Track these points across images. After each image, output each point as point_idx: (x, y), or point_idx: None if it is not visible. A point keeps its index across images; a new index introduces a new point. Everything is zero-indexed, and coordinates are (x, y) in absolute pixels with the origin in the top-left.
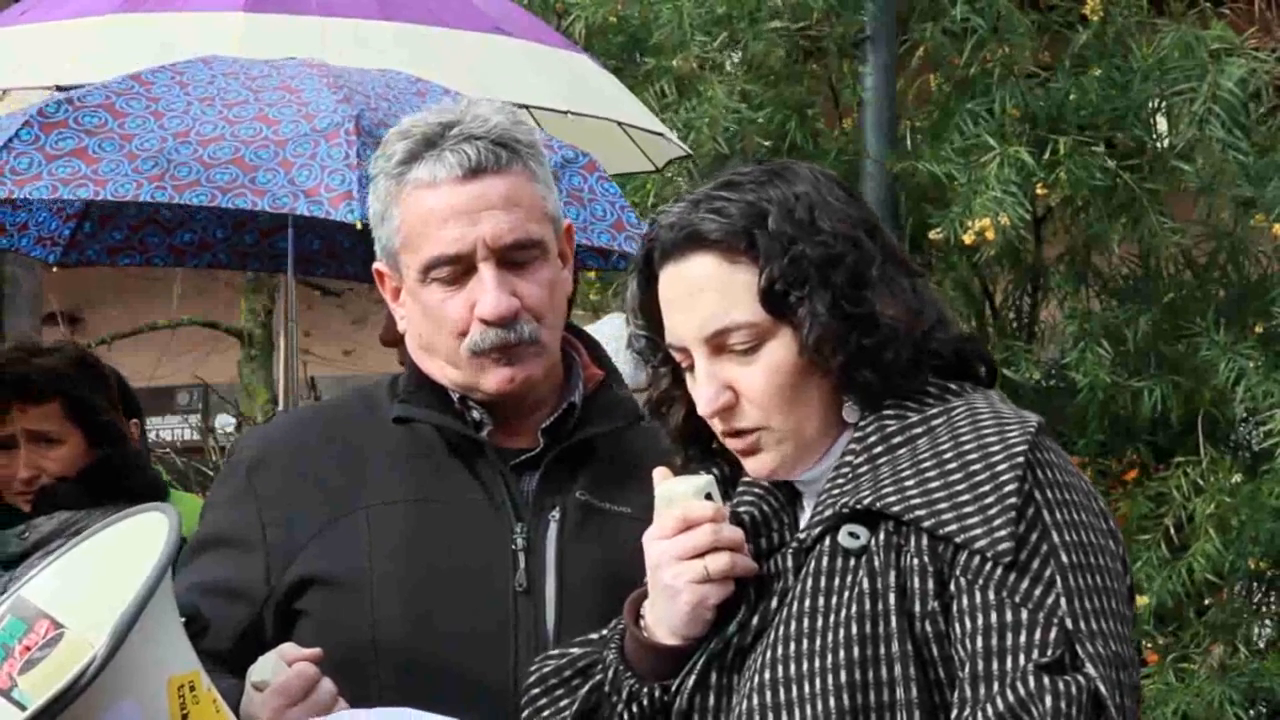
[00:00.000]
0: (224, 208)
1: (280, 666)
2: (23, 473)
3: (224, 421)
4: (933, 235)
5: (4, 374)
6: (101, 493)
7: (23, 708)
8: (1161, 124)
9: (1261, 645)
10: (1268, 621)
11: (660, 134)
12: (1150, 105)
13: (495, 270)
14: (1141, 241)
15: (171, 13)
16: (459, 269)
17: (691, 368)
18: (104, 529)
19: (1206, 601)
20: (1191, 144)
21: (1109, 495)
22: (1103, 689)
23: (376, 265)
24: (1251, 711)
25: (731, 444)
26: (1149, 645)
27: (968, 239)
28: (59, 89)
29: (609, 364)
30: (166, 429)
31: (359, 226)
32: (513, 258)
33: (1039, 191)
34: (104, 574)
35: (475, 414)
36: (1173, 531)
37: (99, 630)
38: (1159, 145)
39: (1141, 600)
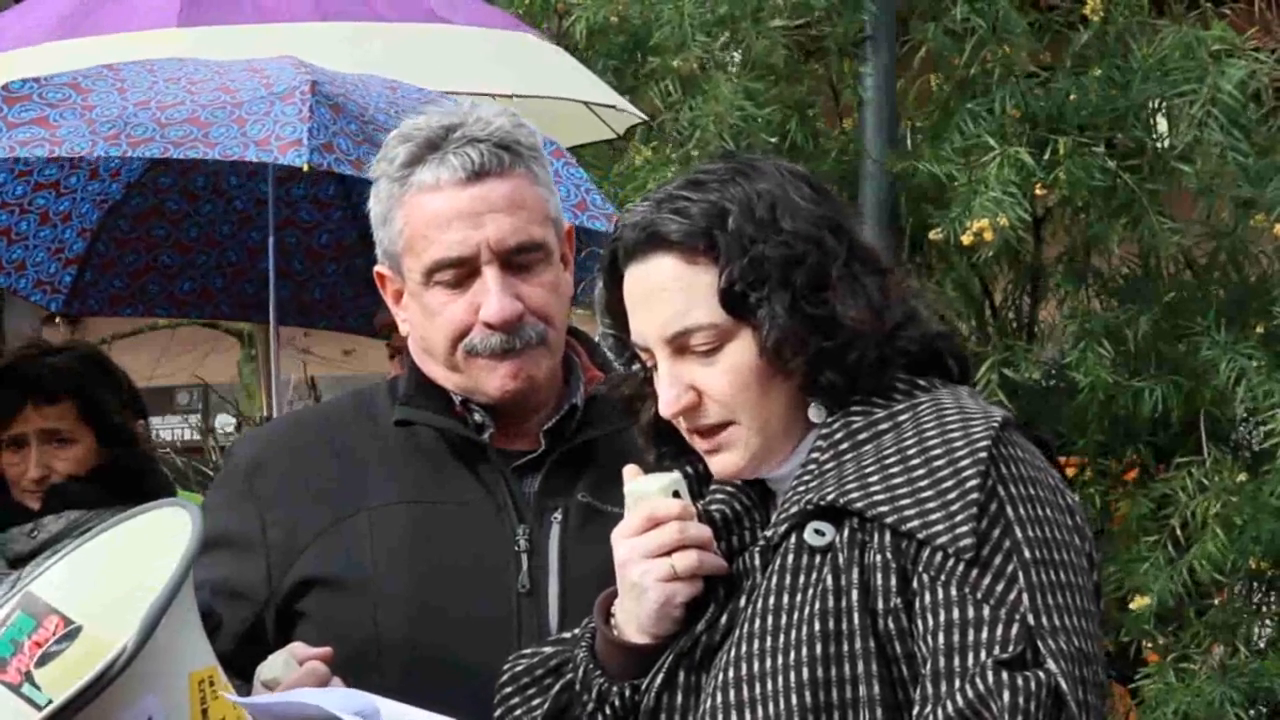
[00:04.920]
0: (231, 256)
1: (291, 665)
2: (33, 472)
3: (224, 421)
4: (932, 236)
5: (17, 373)
6: (111, 493)
7: (34, 704)
8: (1162, 124)
9: (1262, 645)
10: (1268, 621)
11: (612, 106)
12: (1150, 106)
13: (499, 273)
14: (1141, 241)
15: (108, 35)
16: (462, 272)
17: (657, 367)
18: (116, 525)
19: (1209, 601)
20: (1191, 145)
21: (1109, 495)
22: (1064, 684)
23: (378, 268)
24: (1251, 711)
25: (697, 443)
26: (1149, 645)
27: (967, 239)
28: None
29: (609, 365)
30: (166, 429)
31: (306, 169)
32: (516, 260)
33: (1038, 192)
34: (117, 570)
35: (477, 416)
36: (1179, 531)
37: (116, 625)
38: (1159, 146)
39: (1143, 601)
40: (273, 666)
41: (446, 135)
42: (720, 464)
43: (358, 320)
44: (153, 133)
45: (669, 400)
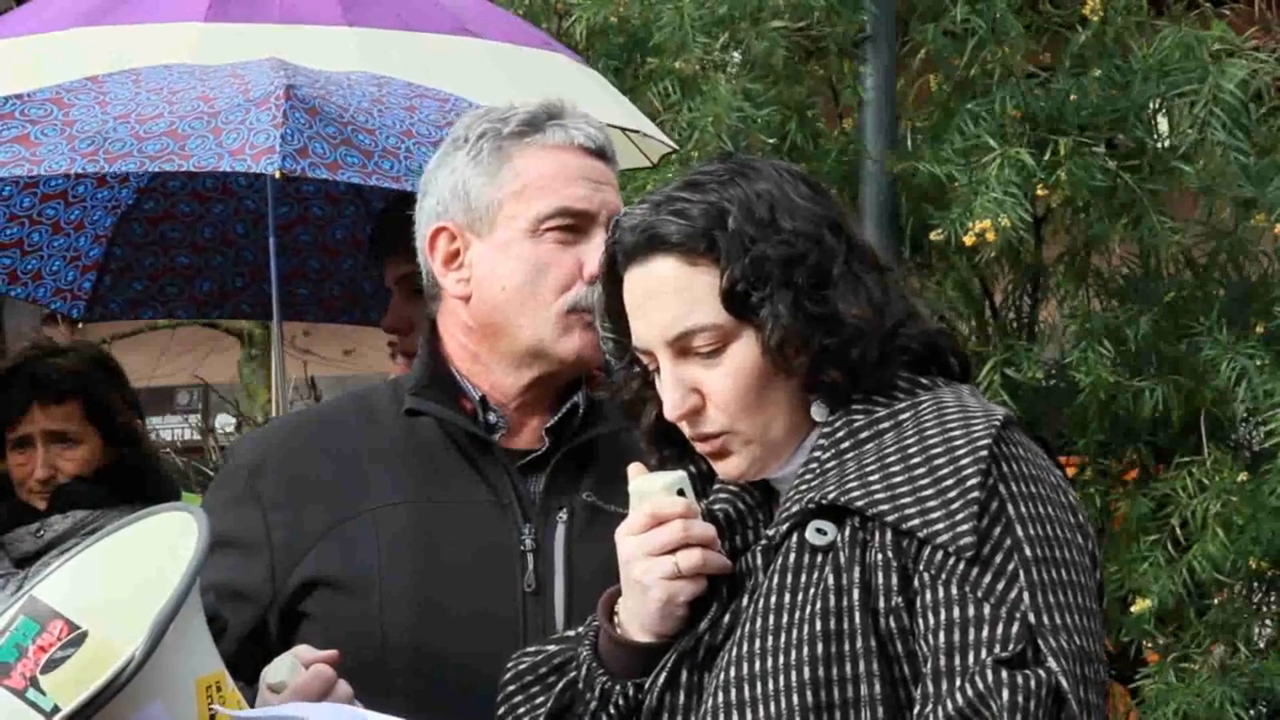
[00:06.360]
0: (248, 255)
1: (297, 668)
2: (39, 473)
3: (224, 421)
4: (933, 236)
5: (23, 374)
6: (117, 493)
7: (39, 709)
8: (1162, 125)
9: (1262, 645)
10: (1268, 621)
11: (637, 130)
12: (1151, 106)
13: None
14: (1142, 242)
15: (130, 25)
16: (579, 224)
17: (659, 370)
18: (121, 529)
19: (1209, 601)
20: (1192, 145)
21: (1109, 495)
22: (1064, 683)
23: (439, 223)
24: (1252, 711)
25: (700, 447)
26: (1149, 645)
27: (968, 240)
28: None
29: (611, 367)
30: (166, 429)
31: (278, 176)
32: None
33: (1039, 192)
34: (121, 574)
35: (492, 417)
36: (1179, 531)
37: (121, 630)
38: (1159, 146)
39: (1144, 604)
40: (278, 670)
41: (561, 113)
42: (725, 468)
43: (380, 314)
44: (130, 147)
45: (674, 403)
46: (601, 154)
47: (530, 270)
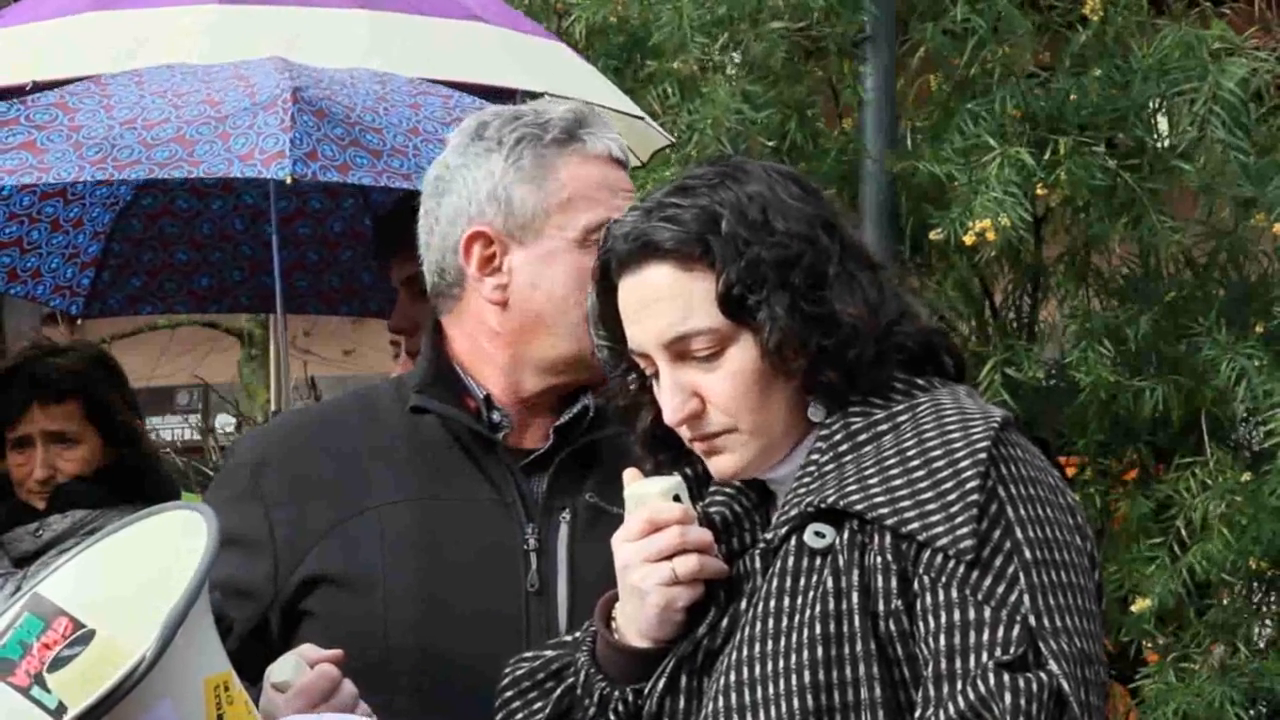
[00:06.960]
0: (246, 250)
1: (302, 667)
2: (39, 473)
3: (224, 421)
4: (933, 236)
5: (23, 373)
6: (116, 493)
7: (43, 706)
8: (1162, 124)
9: (1262, 645)
10: (1268, 621)
11: (640, 118)
12: (1151, 105)
13: None
14: (1142, 241)
15: (146, 9)
16: None
17: (656, 374)
18: (126, 526)
19: (1209, 601)
20: (1192, 144)
21: (1109, 495)
22: (1065, 686)
23: (476, 228)
24: (1252, 711)
25: (697, 446)
26: (1149, 645)
27: (968, 240)
28: (35, 85)
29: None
30: (166, 429)
31: (289, 181)
32: None
33: (1039, 192)
34: (126, 572)
35: (495, 416)
36: (1183, 531)
37: (128, 629)
38: (1159, 145)
39: (1144, 603)
40: (283, 669)
41: (589, 118)
42: (719, 465)
43: (379, 305)
44: (139, 154)
45: (674, 407)
46: (625, 164)
47: (580, 280)
